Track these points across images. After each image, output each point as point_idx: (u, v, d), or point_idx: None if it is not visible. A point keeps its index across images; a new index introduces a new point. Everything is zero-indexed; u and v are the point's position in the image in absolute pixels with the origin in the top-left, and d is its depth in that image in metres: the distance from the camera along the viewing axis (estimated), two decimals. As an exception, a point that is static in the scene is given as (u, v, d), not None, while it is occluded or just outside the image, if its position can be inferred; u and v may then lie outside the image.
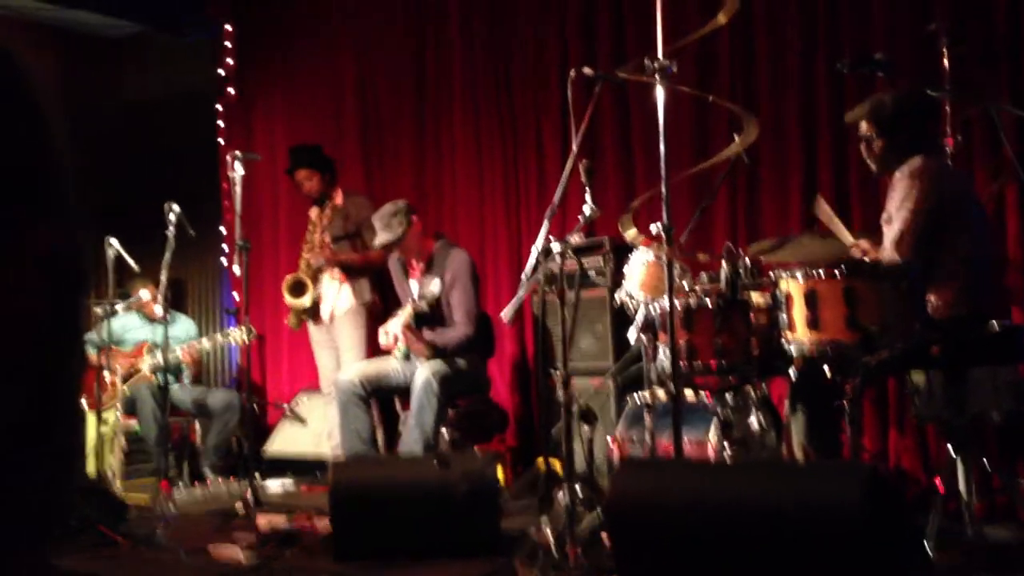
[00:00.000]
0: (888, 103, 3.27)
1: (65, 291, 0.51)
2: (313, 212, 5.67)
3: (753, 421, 3.48)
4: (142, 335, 5.98)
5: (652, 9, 3.04)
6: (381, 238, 4.79)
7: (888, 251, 3.12)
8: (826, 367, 3.06)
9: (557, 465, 3.78)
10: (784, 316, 3.02)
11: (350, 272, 5.47)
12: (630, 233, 3.59)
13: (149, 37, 7.49)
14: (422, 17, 6.01)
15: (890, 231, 3.13)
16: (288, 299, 5.53)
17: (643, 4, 4.09)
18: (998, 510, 3.62)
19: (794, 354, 3.06)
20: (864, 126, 3.31)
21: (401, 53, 6.09)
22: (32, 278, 0.47)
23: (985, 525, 3.21)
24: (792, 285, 3.00)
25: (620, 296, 3.82)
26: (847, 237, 3.34)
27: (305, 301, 5.49)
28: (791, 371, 3.25)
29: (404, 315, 4.68)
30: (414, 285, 4.91)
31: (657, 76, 2.97)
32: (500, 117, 5.61)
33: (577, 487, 3.16)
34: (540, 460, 4.17)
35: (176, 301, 6.50)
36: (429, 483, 3.46)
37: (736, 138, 3.60)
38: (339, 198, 5.62)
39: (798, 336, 2.97)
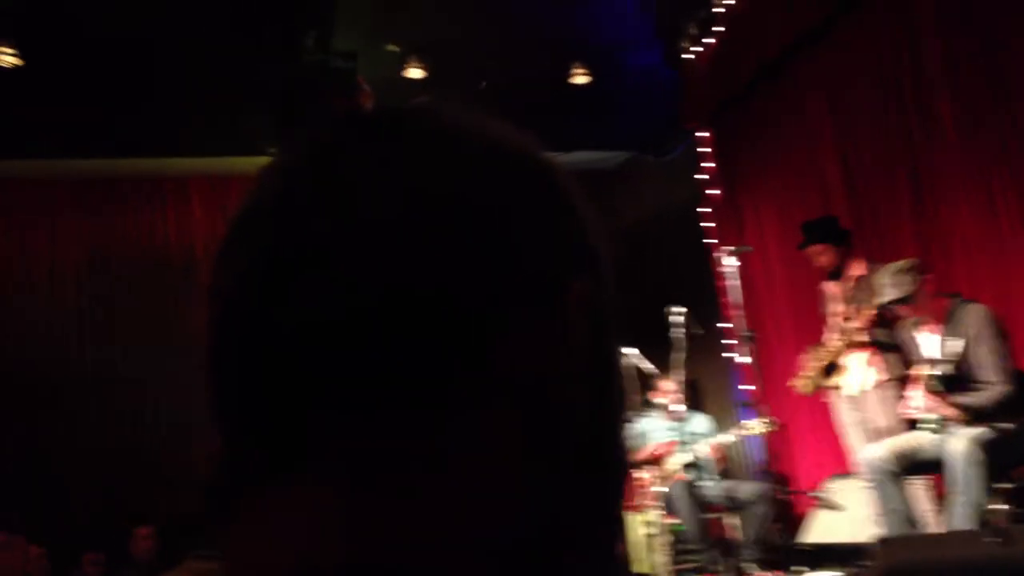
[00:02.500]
0: None
1: (605, 339, 0.47)
2: (829, 286, 5.43)
3: None
4: (667, 434, 6.28)
5: None
6: (889, 294, 4.54)
7: None
8: None
9: None
10: None
11: (880, 346, 5.16)
12: None
13: (636, 161, 8.16)
14: (899, 73, 5.76)
15: None
16: (818, 380, 5.37)
17: None
18: None
19: None
20: None
21: (882, 116, 5.87)
22: (573, 319, 0.45)
23: None
24: None
25: None
26: None
27: (836, 382, 5.30)
28: None
29: (923, 381, 4.37)
30: (932, 347, 4.57)
31: None
32: (1007, 155, 5.11)
33: None
34: None
35: (693, 399, 6.75)
36: (988, 560, 3.14)
37: None
38: (858, 268, 5.29)
39: None
